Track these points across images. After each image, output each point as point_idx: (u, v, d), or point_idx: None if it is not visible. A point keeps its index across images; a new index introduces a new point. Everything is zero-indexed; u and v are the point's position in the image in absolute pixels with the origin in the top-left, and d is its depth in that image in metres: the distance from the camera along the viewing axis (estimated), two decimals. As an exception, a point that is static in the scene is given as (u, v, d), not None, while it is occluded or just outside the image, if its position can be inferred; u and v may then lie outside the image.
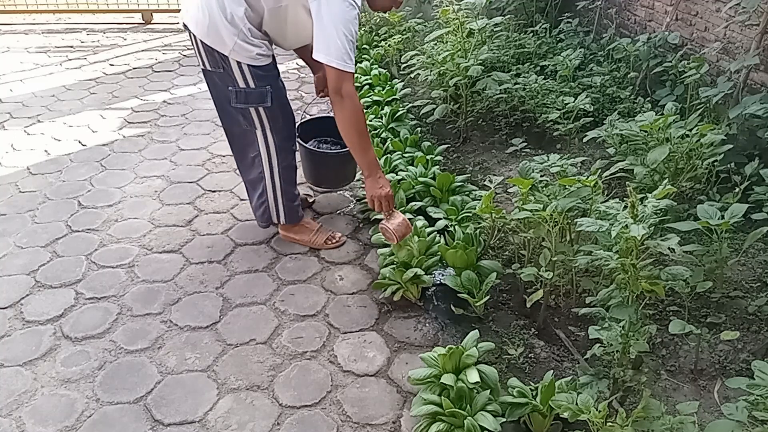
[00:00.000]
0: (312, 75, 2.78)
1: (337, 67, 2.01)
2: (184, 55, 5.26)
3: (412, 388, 1.92)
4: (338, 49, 1.99)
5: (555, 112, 3.23)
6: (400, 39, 4.59)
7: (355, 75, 2.31)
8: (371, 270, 2.54)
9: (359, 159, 2.23)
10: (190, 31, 2.22)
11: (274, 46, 2.33)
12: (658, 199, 1.72)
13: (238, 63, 2.18)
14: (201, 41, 2.17)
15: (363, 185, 2.41)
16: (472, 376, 1.72)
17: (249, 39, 2.14)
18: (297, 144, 2.56)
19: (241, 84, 2.23)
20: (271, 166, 2.44)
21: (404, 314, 2.29)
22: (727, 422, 1.42)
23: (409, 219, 2.58)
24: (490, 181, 2.54)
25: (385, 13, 2.37)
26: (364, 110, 2.28)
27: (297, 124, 2.61)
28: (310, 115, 3.22)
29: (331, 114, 2.25)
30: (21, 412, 1.87)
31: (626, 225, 1.62)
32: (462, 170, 3.25)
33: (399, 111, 3.58)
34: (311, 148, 2.73)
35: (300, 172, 2.73)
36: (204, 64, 2.27)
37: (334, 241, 2.66)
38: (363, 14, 5.43)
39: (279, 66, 2.39)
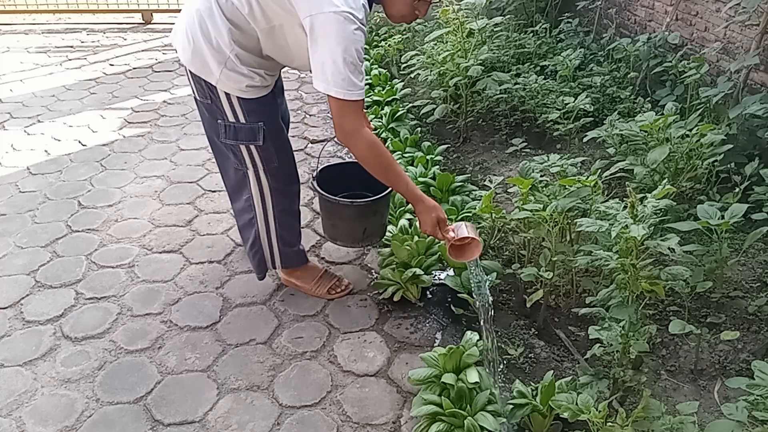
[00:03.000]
0: None
1: (336, 96, 1.73)
2: (184, 55, 5.26)
3: (412, 388, 1.92)
4: (338, 73, 1.70)
5: (555, 112, 3.24)
6: (400, 39, 4.59)
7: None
8: (371, 270, 2.54)
9: (396, 190, 2.00)
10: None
11: (284, 70, 2.07)
12: (658, 199, 1.72)
13: (227, 94, 1.89)
14: (187, 68, 1.93)
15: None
16: (472, 376, 1.72)
17: (237, 68, 1.84)
18: (315, 187, 2.23)
19: (230, 118, 1.94)
20: (264, 210, 2.12)
21: (404, 314, 2.29)
22: (727, 422, 1.42)
23: (409, 219, 2.58)
24: (490, 181, 2.54)
25: (409, 23, 2.11)
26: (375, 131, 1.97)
27: (323, 166, 2.34)
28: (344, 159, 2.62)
29: None
30: (21, 412, 1.87)
31: (626, 225, 1.62)
32: (462, 170, 3.25)
33: (399, 111, 3.58)
34: (322, 192, 2.20)
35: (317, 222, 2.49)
36: (194, 93, 2.02)
37: (339, 290, 2.34)
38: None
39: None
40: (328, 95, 1.75)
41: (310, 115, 4.09)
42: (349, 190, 2.34)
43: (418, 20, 4.76)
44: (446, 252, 1.99)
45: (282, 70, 2.08)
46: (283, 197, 2.13)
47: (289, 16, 1.75)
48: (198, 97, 1.99)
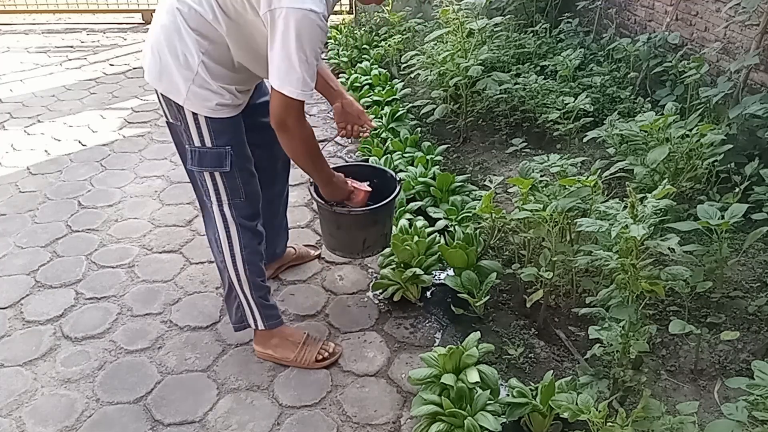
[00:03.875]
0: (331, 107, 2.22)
1: (288, 94, 1.61)
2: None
3: (412, 388, 1.92)
4: (293, 72, 1.58)
5: (555, 112, 3.24)
6: (400, 39, 4.59)
7: (340, 83, 1.90)
8: (371, 270, 2.54)
9: (316, 180, 1.92)
10: None
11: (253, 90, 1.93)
12: (658, 199, 1.72)
13: (194, 115, 1.73)
14: (156, 90, 1.77)
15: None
16: (472, 376, 1.72)
17: (206, 83, 1.70)
18: (312, 194, 2.06)
19: (197, 142, 1.77)
20: (232, 251, 1.90)
21: (404, 314, 2.29)
22: (727, 422, 1.42)
23: (409, 219, 2.58)
24: (490, 181, 2.54)
25: (379, 4, 2.00)
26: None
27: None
28: (346, 162, 2.47)
29: (371, 163, 1.85)
30: (21, 412, 1.87)
31: (626, 225, 1.62)
32: (462, 170, 3.25)
33: (399, 111, 3.58)
34: (318, 199, 2.03)
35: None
36: (165, 116, 1.85)
37: (327, 354, 2.06)
38: (363, 14, 5.43)
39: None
40: (277, 91, 1.62)
41: (310, 115, 4.09)
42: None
43: (417, 20, 4.79)
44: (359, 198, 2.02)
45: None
46: (252, 237, 1.93)
47: (254, 15, 1.63)
48: (170, 120, 1.83)
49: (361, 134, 2.17)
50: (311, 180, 1.99)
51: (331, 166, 1.94)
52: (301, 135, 1.72)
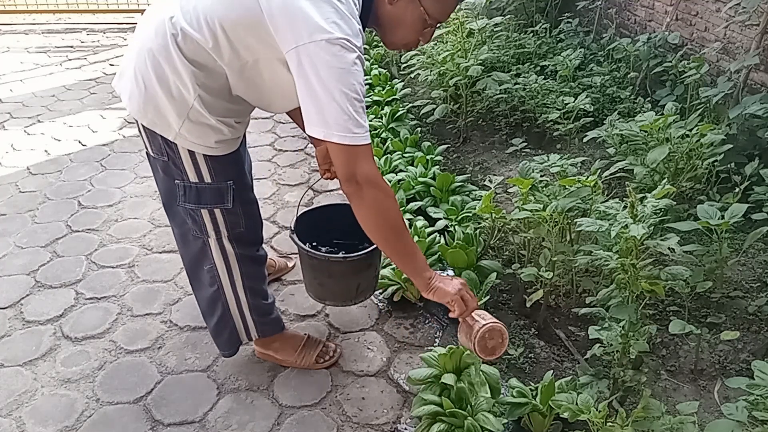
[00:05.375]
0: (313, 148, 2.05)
1: (341, 142, 1.35)
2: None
3: (412, 388, 1.92)
4: (338, 115, 1.33)
5: (555, 112, 3.24)
6: (400, 39, 4.58)
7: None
8: (371, 270, 2.53)
9: (400, 263, 1.55)
10: None
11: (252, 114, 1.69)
12: (658, 199, 1.73)
13: (190, 152, 1.54)
14: (138, 122, 1.55)
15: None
16: (474, 376, 1.72)
17: (203, 117, 1.48)
18: (295, 241, 1.85)
19: (192, 178, 1.58)
20: (231, 280, 1.77)
21: (404, 314, 2.29)
22: (727, 422, 1.42)
23: (409, 219, 2.58)
24: (490, 181, 2.54)
25: (409, 50, 1.66)
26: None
27: (301, 213, 1.99)
28: (307, 207, 2.15)
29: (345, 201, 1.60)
30: (21, 412, 1.87)
31: (626, 225, 1.62)
32: (462, 170, 3.25)
33: (399, 111, 3.59)
34: (304, 247, 1.85)
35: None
36: (146, 147, 1.62)
37: (327, 357, 2.02)
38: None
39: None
40: (329, 142, 1.37)
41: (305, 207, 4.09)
42: (331, 238, 2.04)
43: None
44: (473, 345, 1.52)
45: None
46: (252, 264, 1.80)
47: (266, 50, 1.41)
48: (151, 153, 1.61)
49: None
50: (291, 227, 1.85)
51: (309, 208, 1.77)
52: (377, 193, 1.42)
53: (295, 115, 1.88)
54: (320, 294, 1.97)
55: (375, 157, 1.62)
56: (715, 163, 2.46)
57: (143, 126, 1.55)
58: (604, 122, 2.85)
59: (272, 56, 1.41)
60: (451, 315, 1.57)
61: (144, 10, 6.14)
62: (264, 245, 1.92)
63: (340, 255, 1.85)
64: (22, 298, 2.36)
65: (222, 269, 1.75)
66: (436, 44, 3.84)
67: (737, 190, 2.25)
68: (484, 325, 1.49)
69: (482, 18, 3.84)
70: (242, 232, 1.72)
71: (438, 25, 1.58)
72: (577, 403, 1.55)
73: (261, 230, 1.84)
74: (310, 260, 1.88)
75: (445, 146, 3.30)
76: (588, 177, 2.06)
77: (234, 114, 1.57)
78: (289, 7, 1.33)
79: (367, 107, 3.78)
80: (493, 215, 2.35)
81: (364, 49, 3.52)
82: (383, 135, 3.42)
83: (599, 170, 2.28)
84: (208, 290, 1.81)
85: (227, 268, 1.75)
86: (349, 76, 1.35)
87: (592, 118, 3.25)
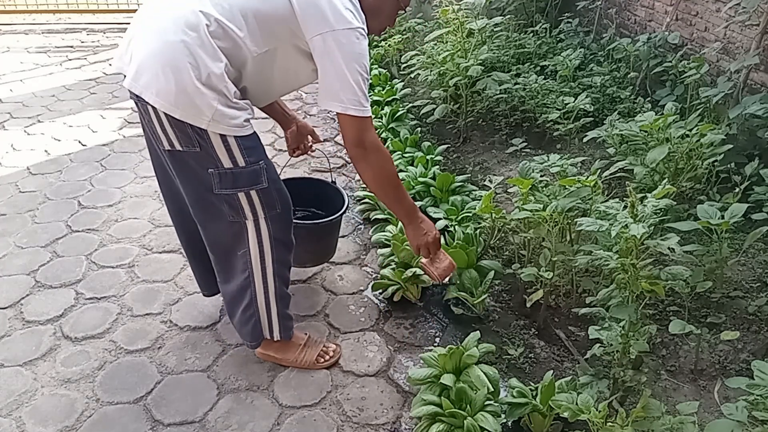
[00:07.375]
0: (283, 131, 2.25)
1: (354, 114, 1.62)
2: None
3: (412, 388, 1.92)
4: (353, 92, 1.60)
5: (555, 112, 3.24)
6: (400, 39, 4.59)
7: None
8: (371, 270, 2.54)
9: (395, 210, 1.88)
10: (143, 102, 1.58)
11: None
12: (658, 199, 1.72)
13: (222, 137, 1.61)
14: (165, 115, 1.57)
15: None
16: (474, 376, 1.72)
17: (232, 102, 1.59)
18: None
19: (227, 164, 1.65)
20: (263, 265, 1.84)
21: (404, 314, 2.29)
22: (727, 422, 1.42)
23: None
24: (490, 181, 2.54)
25: (379, 35, 2.01)
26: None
27: None
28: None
29: (305, 175, 1.85)
30: (21, 412, 1.87)
31: (626, 225, 1.62)
32: (462, 170, 3.25)
33: (399, 111, 3.59)
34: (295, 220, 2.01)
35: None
36: (170, 144, 1.64)
37: (327, 357, 2.06)
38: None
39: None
40: (344, 114, 1.63)
41: (310, 115, 4.10)
42: (301, 209, 2.40)
43: (417, 20, 4.79)
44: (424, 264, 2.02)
45: None
46: (284, 249, 1.88)
47: (289, 37, 1.61)
48: (180, 148, 1.64)
49: (309, 151, 2.31)
50: None
51: (282, 178, 1.89)
52: (381, 156, 1.72)
53: (270, 109, 2.14)
54: (305, 259, 2.35)
55: (412, 201, 2.00)
56: (715, 163, 2.46)
57: (171, 121, 1.59)
58: (604, 122, 2.85)
59: (290, 44, 1.64)
60: (422, 260, 2.01)
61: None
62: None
63: (323, 221, 2.22)
64: (22, 298, 2.36)
65: (255, 254, 1.82)
66: (436, 44, 3.84)
67: (737, 190, 2.25)
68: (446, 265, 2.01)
69: (482, 18, 3.84)
70: (278, 213, 1.80)
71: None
72: (577, 403, 1.55)
73: (291, 211, 1.89)
74: (298, 231, 2.03)
75: (445, 146, 3.31)
76: (588, 177, 2.06)
77: (246, 99, 1.73)
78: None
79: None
80: (493, 215, 2.35)
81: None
82: (383, 135, 3.43)
83: (599, 170, 2.28)
84: (239, 278, 1.87)
85: (260, 253, 1.83)
86: (363, 59, 1.62)
87: (592, 118, 3.25)
